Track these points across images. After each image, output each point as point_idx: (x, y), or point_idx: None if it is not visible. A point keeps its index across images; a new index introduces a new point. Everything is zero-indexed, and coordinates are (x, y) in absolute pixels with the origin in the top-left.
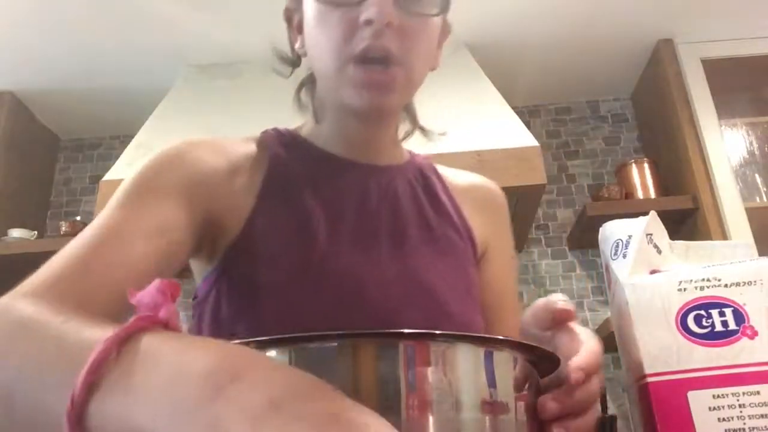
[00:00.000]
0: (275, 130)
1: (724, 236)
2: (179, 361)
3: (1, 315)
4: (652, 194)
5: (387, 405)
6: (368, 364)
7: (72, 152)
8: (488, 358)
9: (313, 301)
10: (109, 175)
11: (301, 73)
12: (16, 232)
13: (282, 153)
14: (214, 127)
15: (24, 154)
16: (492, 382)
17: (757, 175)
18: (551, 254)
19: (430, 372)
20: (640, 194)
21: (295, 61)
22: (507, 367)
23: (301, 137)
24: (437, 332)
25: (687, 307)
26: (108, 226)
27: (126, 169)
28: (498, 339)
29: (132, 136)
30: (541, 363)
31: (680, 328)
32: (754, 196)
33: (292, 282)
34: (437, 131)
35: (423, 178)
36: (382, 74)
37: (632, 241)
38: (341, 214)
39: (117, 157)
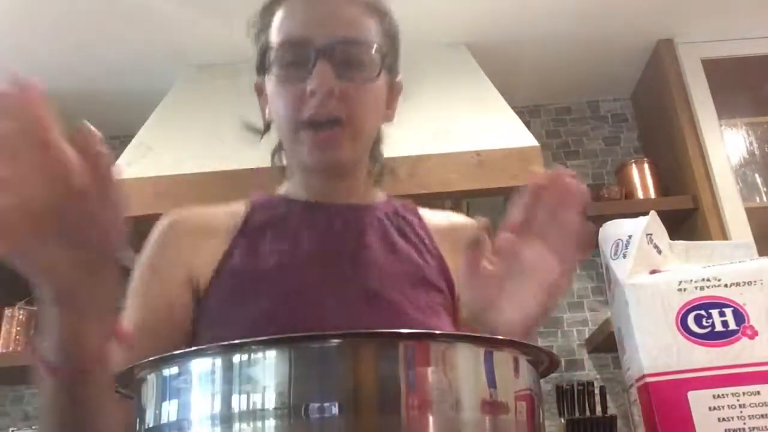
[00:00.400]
0: (258, 192)
1: (724, 236)
2: None
3: None
4: (652, 194)
5: (387, 405)
6: (368, 364)
7: None
8: (488, 358)
9: (275, 318)
10: None
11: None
12: None
13: (257, 206)
14: (214, 127)
15: None
16: (492, 382)
17: (757, 175)
18: None
19: (430, 372)
20: (640, 194)
21: (266, 128)
22: (507, 367)
23: (278, 194)
24: (437, 332)
25: (687, 307)
26: (133, 318)
27: (126, 169)
28: (498, 339)
29: (132, 136)
30: (541, 363)
31: (680, 328)
32: (754, 196)
33: (256, 300)
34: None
35: (396, 216)
36: (329, 135)
37: (632, 241)
38: (305, 241)
39: (117, 157)
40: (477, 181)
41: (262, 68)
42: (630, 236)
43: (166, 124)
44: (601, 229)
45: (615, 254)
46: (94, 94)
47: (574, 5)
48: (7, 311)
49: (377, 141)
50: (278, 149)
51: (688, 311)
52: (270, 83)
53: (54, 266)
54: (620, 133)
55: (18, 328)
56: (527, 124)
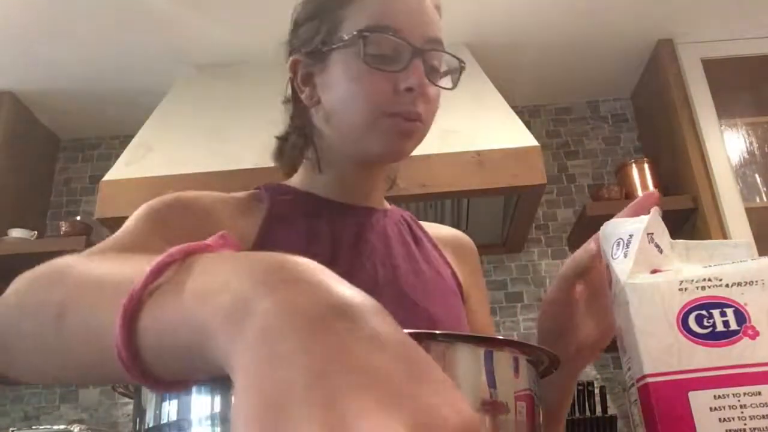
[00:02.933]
0: (268, 183)
1: (724, 236)
2: (234, 266)
3: (60, 259)
4: None
5: None
6: None
7: (72, 152)
8: (488, 358)
9: None
10: (109, 175)
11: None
12: (16, 232)
13: (282, 198)
14: (214, 127)
15: (24, 154)
16: (492, 382)
17: (757, 175)
18: (551, 254)
19: None
20: (640, 194)
21: (302, 111)
22: (507, 367)
23: (296, 188)
24: (437, 332)
25: (688, 307)
26: (127, 239)
27: (126, 169)
28: (498, 339)
29: (132, 136)
30: (541, 363)
31: (681, 328)
32: (754, 196)
33: None
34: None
35: (406, 224)
36: (413, 127)
37: (633, 240)
38: (340, 243)
39: (117, 157)
40: (477, 181)
41: (326, 44)
42: (631, 235)
43: (166, 124)
44: (601, 227)
45: (615, 254)
46: (95, 94)
47: (574, 5)
48: None
49: None
50: (301, 135)
51: (689, 311)
52: (346, 65)
53: None
54: (620, 133)
55: None
56: (527, 124)
